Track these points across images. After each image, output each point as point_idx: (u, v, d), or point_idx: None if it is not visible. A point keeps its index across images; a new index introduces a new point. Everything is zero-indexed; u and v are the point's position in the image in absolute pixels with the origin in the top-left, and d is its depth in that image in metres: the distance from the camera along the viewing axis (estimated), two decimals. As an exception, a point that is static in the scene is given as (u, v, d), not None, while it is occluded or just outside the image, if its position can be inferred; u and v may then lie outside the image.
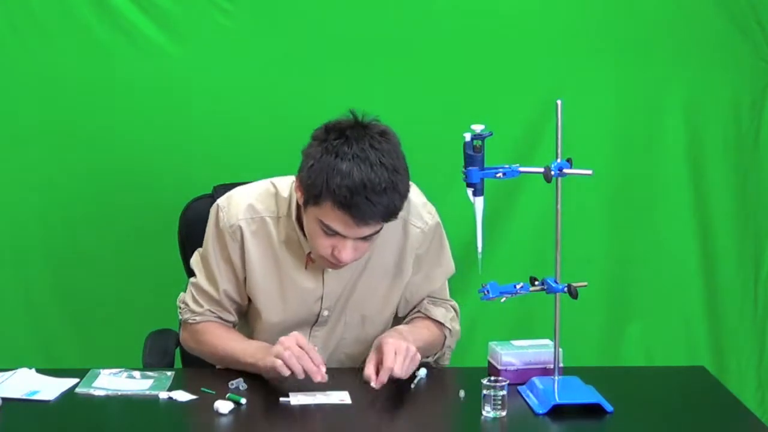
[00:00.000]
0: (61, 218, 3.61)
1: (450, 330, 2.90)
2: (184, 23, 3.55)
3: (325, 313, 2.83)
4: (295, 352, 2.57)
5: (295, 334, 2.63)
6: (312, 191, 2.59)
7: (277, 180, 2.82)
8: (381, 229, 2.64)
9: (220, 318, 2.85)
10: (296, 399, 2.54)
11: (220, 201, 2.82)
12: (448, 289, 2.97)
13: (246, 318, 2.92)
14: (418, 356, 2.65)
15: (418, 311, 2.91)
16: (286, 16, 3.57)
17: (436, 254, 2.89)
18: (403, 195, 2.60)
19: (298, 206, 2.73)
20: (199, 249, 2.88)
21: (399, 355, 2.60)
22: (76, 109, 3.56)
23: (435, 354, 2.91)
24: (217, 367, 2.92)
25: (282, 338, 2.61)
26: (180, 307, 2.89)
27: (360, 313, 2.85)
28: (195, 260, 2.89)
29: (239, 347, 2.76)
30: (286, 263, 2.79)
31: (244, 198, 2.80)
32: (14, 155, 3.57)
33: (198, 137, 3.59)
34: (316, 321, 2.84)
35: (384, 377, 2.58)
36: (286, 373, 2.56)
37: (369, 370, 2.60)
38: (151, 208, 3.57)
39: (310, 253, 2.75)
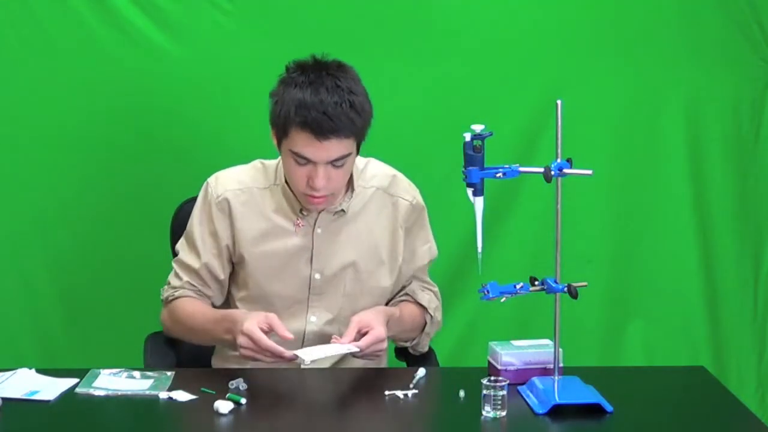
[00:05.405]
0: (61, 218, 3.61)
1: (431, 317, 2.95)
2: (184, 23, 3.55)
3: (317, 276, 2.85)
4: (254, 350, 2.65)
5: (253, 321, 2.66)
6: (279, 124, 2.73)
7: (264, 160, 2.92)
8: (350, 155, 2.72)
9: (200, 292, 2.88)
10: (306, 355, 2.58)
11: (210, 178, 2.92)
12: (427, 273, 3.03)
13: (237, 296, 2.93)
14: (384, 344, 2.72)
15: (405, 293, 2.95)
16: (286, 16, 3.57)
17: (422, 230, 2.96)
18: (361, 113, 2.72)
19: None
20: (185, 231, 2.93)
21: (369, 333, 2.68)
22: (75, 109, 3.56)
23: (413, 339, 2.96)
24: (213, 366, 2.92)
25: (244, 326, 2.65)
26: (162, 292, 2.94)
27: (357, 284, 2.88)
28: (180, 241, 2.94)
29: (212, 319, 2.81)
30: (277, 229, 2.85)
31: (232, 173, 2.91)
32: (14, 155, 3.57)
33: (198, 137, 3.59)
34: (310, 289, 2.87)
35: (368, 340, 2.66)
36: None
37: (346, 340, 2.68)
38: (151, 207, 3.56)
39: (299, 218, 2.83)
